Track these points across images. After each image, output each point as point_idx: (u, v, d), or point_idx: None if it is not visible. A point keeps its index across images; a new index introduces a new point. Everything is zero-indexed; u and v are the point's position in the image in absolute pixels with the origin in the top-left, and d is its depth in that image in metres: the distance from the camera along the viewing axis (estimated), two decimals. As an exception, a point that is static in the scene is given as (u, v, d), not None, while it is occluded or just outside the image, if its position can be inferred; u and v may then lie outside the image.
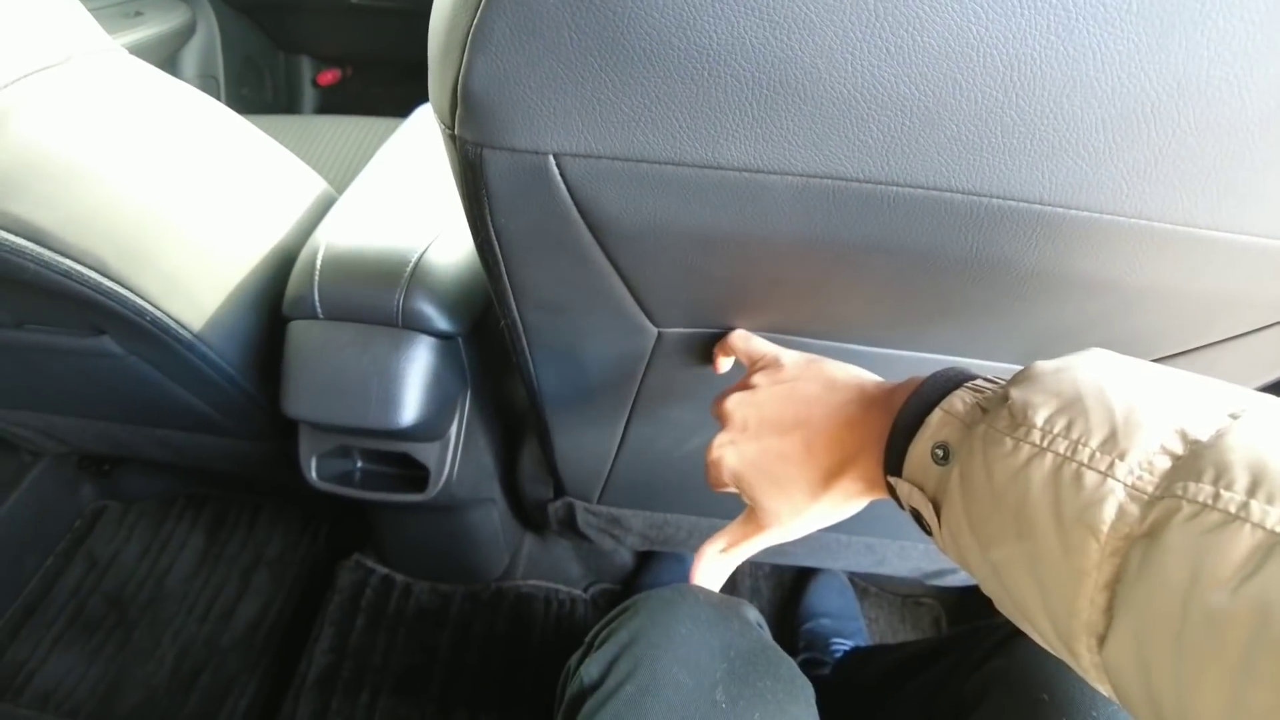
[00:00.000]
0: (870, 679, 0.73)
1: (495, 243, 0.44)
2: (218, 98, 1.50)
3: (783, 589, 1.09)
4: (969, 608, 1.05)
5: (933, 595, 1.08)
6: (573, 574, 1.08)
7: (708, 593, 0.47)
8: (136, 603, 1.17)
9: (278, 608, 1.13)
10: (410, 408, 0.64)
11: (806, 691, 0.46)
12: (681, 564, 1.06)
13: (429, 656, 0.98)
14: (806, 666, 0.96)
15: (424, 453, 0.69)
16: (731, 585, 1.09)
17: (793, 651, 1.00)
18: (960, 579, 0.87)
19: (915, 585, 1.08)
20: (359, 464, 0.76)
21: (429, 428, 0.66)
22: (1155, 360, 0.49)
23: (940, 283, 0.43)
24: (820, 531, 0.79)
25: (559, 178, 0.36)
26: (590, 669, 0.44)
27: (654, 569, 1.06)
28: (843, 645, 0.96)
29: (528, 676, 0.97)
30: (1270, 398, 0.27)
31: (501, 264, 0.46)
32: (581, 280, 0.47)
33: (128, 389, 0.83)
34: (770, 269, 0.44)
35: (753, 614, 0.49)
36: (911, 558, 0.81)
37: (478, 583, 1.03)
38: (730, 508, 0.77)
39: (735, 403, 0.45)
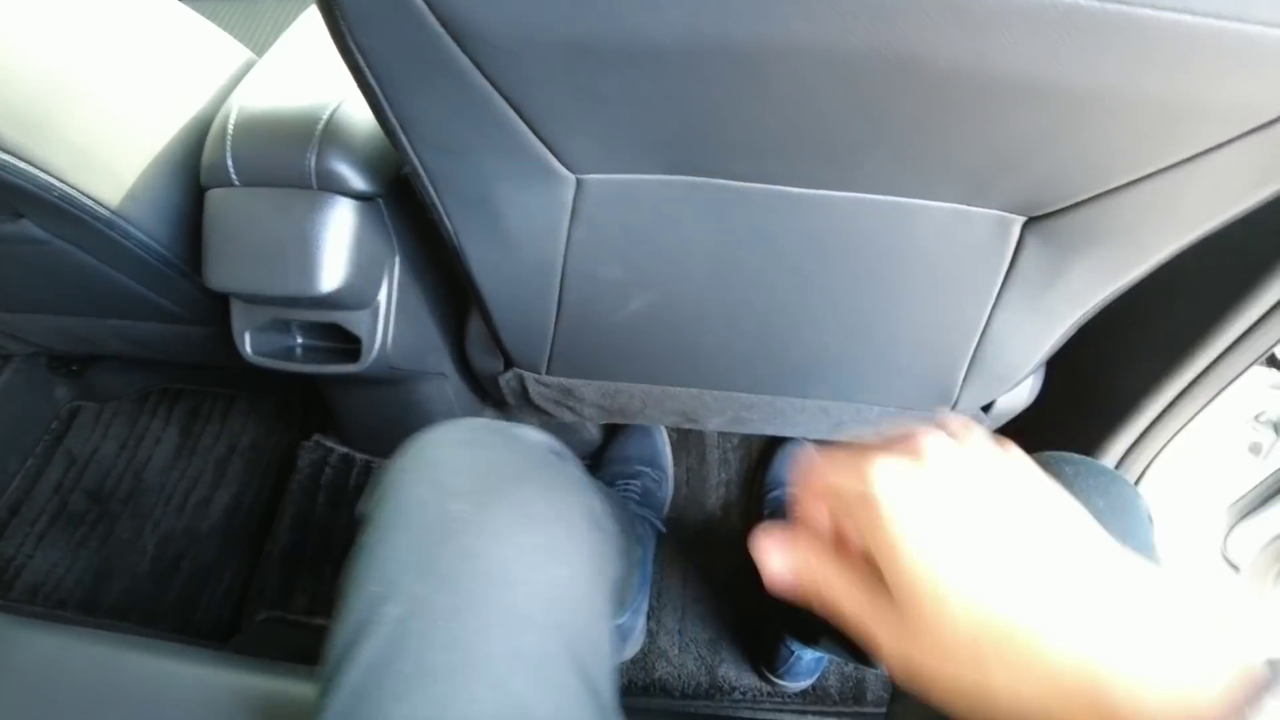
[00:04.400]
0: None
1: (365, 69, 0.41)
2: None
3: (750, 459, 1.09)
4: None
5: (901, 463, 1.08)
6: (542, 453, 1.08)
7: (484, 421, 0.46)
8: (117, 497, 1.18)
9: (252, 493, 1.14)
10: (331, 273, 0.62)
11: (586, 501, 0.45)
12: (648, 436, 1.06)
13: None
14: (771, 533, 0.97)
15: (355, 322, 0.67)
16: (700, 456, 1.10)
17: (757, 518, 1.01)
18: (923, 442, 0.86)
19: (884, 454, 1.08)
20: (299, 339, 0.75)
21: (354, 294, 0.64)
22: (1114, 189, 0.46)
23: (855, 93, 0.39)
24: (774, 395, 0.78)
25: (402, -27, 0.32)
26: (360, 508, 0.44)
27: (621, 442, 1.06)
28: (807, 512, 0.96)
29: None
30: None
31: (379, 94, 0.43)
32: (470, 112, 0.44)
33: (65, 276, 0.81)
34: (668, 87, 0.40)
35: (535, 435, 0.47)
36: (869, 421, 0.79)
37: (440, 460, 1.02)
38: (682, 374, 0.76)
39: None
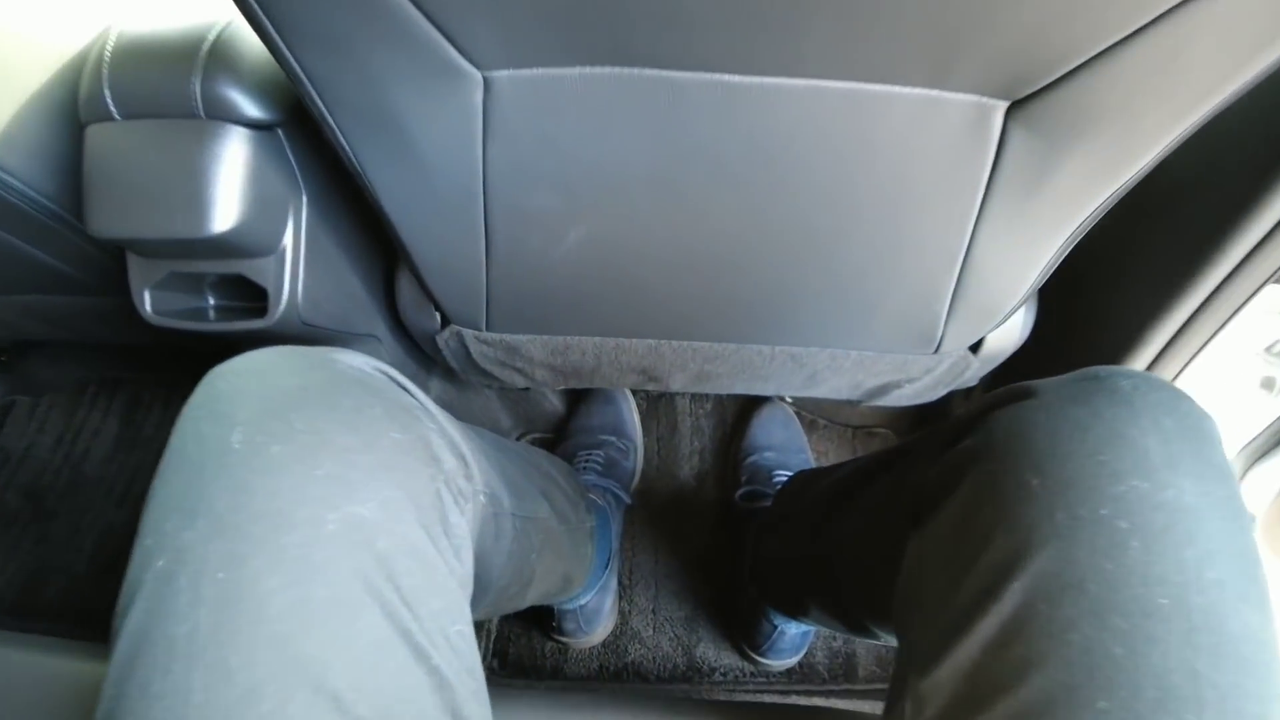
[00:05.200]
0: (817, 497, 0.66)
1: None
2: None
3: (724, 426, 1.02)
4: (927, 434, 0.98)
5: (885, 424, 1.01)
6: (503, 424, 1.01)
7: (294, 347, 0.39)
8: (53, 493, 1.11)
9: (196, 485, 1.07)
10: (223, 212, 0.55)
11: (419, 432, 0.38)
12: (611, 403, 0.98)
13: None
14: (748, 500, 0.90)
15: (259, 271, 0.60)
16: (671, 425, 1.03)
17: (734, 486, 0.93)
18: (907, 395, 0.79)
19: (867, 414, 1.01)
20: (211, 300, 0.67)
21: (254, 237, 0.57)
22: (1105, 53, 0.39)
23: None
24: (739, 344, 0.71)
25: None
26: None
27: (584, 411, 0.99)
28: (785, 476, 0.90)
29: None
30: None
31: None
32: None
33: (-48, 243, 0.74)
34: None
35: (355, 358, 0.40)
36: (845, 369, 0.72)
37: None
38: (635, 323, 0.69)
39: None
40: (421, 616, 0.34)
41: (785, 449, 0.95)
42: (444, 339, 0.71)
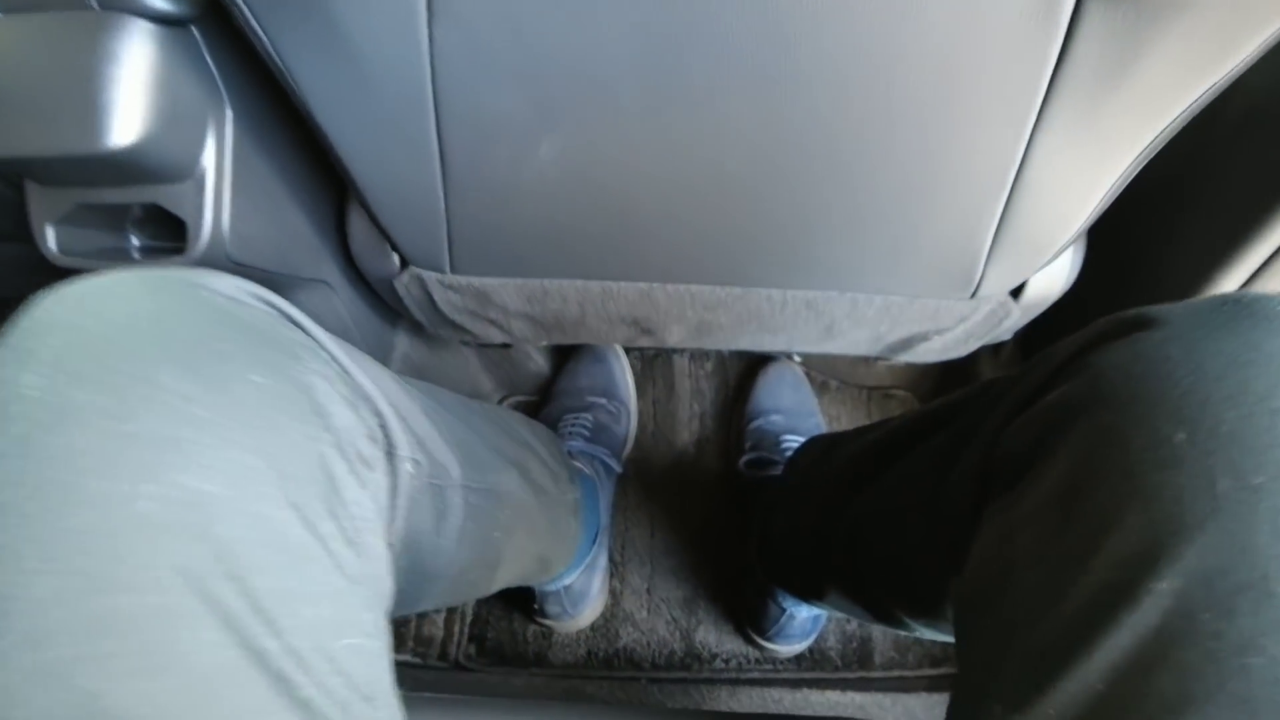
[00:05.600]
0: (843, 465, 0.57)
1: None
2: None
3: (727, 389, 0.93)
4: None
5: (904, 385, 0.92)
6: (483, 387, 0.92)
7: (146, 269, 0.29)
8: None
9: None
10: (123, 122, 0.45)
11: (299, 377, 0.29)
12: (601, 361, 0.89)
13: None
14: (754, 468, 0.81)
15: (176, 199, 0.50)
16: (668, 386, 0.94)
17: (738, 453, 0.85)
18: (934, 350, 0.70)
19: (884, 374, 0.92)
20: (135, 241, 0.58)
21: (164, 156, 0.47)
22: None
23: None
24: (745, 288, 0.62)
25: None
26: None
27: (570, 371, 0.90)
28: (795, 442, 0.81)
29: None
30: None
31: None
32: None
33: None
34: None
35: (225, 282, 0.30)
36: (867, 319, 0.63)
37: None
38: (623, 263, 0.60)
39: None
40: (285, 630, 0.25)
41: (795, 412, 0.86)
42: (403, 284, 0.62)
